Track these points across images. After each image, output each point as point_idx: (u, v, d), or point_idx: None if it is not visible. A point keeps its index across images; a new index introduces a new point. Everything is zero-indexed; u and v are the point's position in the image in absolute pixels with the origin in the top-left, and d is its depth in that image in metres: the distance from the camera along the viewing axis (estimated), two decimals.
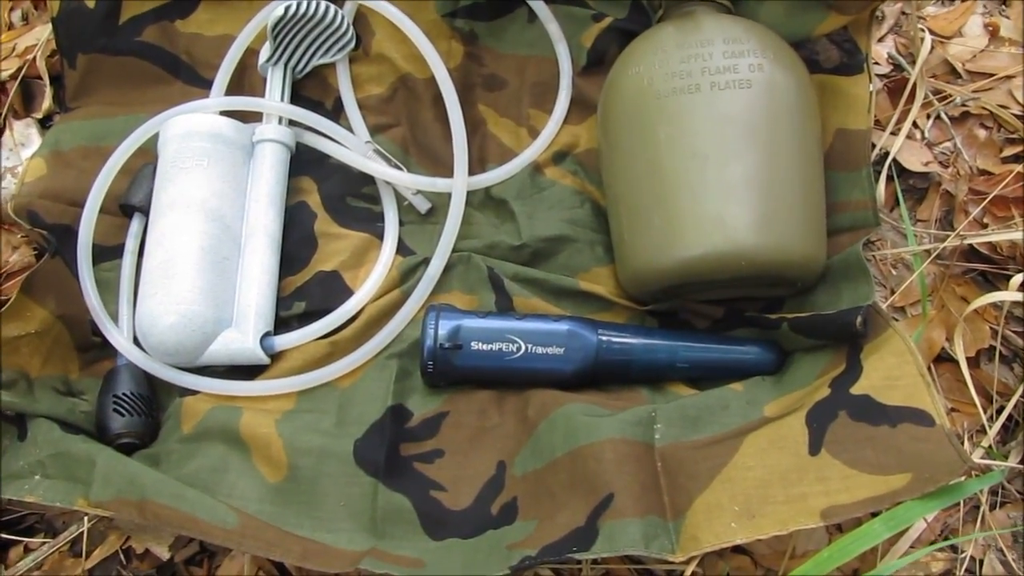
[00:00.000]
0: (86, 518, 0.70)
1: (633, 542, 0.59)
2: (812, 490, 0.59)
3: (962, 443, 0.69)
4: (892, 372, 0.64)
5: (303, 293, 0.80)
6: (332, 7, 0.83)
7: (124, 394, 0.73)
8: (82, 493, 0.66)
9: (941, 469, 0.57)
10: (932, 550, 0.67)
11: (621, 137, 0.75)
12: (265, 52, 0.84)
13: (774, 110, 0.71)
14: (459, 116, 0.81)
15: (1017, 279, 0.71)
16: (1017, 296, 0.71)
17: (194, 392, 0.75)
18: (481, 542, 0.66)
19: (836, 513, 0.58)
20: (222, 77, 0.85)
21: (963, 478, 0.57)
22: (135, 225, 0.80)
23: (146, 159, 0.81)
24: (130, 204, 0.79)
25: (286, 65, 0.84)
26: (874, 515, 0.59)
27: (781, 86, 0.72)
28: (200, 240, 0.75)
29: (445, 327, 0.72)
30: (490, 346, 0.72)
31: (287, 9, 0.81)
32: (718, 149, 0.70)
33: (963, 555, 0.67)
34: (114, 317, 0.77)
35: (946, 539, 0.67)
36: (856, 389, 0.64)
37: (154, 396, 0.76)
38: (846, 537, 0.58)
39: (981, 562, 0.67)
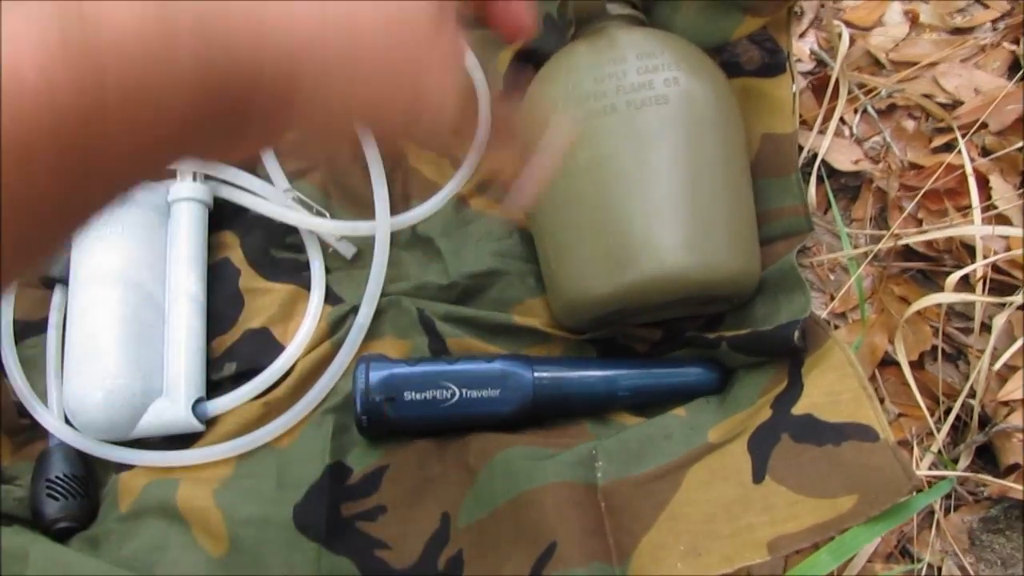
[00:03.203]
0: None
1: None
2: (758, 520, 0.58)
3: (911, 450, 0.68)
4: (833, 387, 0.62)
5: (233, 353, 0.78)
6: None
7: (57, 477, 0.71)
8: None
9: (887, 488, 0.55)
10: (884, 558, 0.66)
11: None
12: None
13: (694, 124, 0.69)
14: (376, 155, 0.78)
15: (954, 277, 0.69)
16: (955, 298, 0.69)
17: (130, 467, 0.73)
18: None
19: (783, 544, 0.56)
20: None
21: (911, 495, 0.56)
22: (57, 297, 0.77)
23: None
24: (50, 276, 0.77)
25: None
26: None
27: (699, 98, 0.70)
28: (121, 311, 0.72)
29: (375, 378, 0.70)
30: (424, 394, 0.70)
31: None
32: (639, 170, 0.68)
33: (920, 564, 0.65)
34: (42, 395, 0.75)
35: (902, 551, 0.66)
36: (798, 408, 0.62)
37: (90, 474, 0.73)
38: (792, 572, 0.57)
39: (939, 569, 0.66)
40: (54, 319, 0.77)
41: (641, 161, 0.68)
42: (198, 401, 0.74)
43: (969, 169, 0.74)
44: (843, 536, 0.56)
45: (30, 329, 0.78)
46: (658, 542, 0.59)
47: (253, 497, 0.70)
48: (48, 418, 0.73)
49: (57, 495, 0.71)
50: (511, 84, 0.84)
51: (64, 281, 0.76)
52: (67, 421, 0.74)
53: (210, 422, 0.75)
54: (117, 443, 0.73)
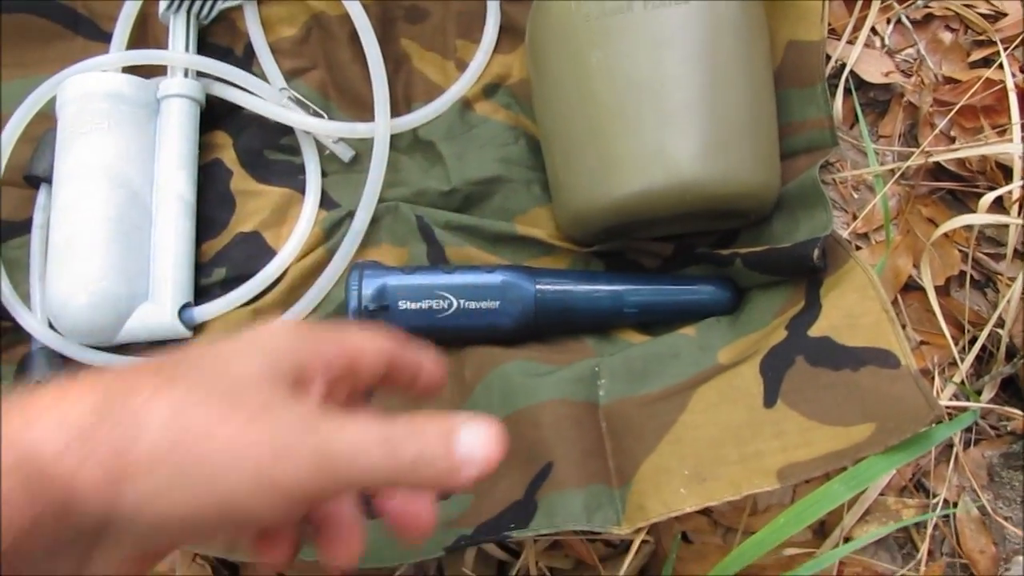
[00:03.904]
0: None
1: (574, 516, 0.55)
2: (768, 447, 0.54)
3: (932, 380, 0.64)
4: (853, 309, 0.58)
5: (223, 258, 0.74)
6: None
7: (39, 382, 0.68)
8: None
9: (906, 418, 0.52)
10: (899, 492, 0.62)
11: (550, 66, 0.68)
12: None
13: (715, 27, 0.65)
14: (377, 54, 0.74)
15: (988, 198, 0.65)
16: (988, 219, 0.65)
17: None
18: None
19: (793, 472, 0.53)
20: (121, 30, 0.77)
21: (931, 425, 0.52)
22: (42, 197, 0.74)
23: (50, 125, 0.74)
24: (34, 175, 0.73)
25: (188, 11, 0.77)
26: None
27: None
28: (106, 210, 0.69)
29: (369, 287, 0.66)
30: (419, 304, 0.66)
31: None
32: (654, 74, 0.64)
33: (935, 500, 0.62)
34: (26, 298, 0.72)
35: (917, 484, 0.63)
36: (815, 331, 0.59)
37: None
38: (803, 501, 0.53)
39: (955, 505, 0.62)
40: (39, 219, 0.74)
41: (656, 64, 0.64)
42: (185, 306, 0.71)
43: (1011, 84, 0.69)
44: (858, 466, 0.53)
45: (14, 230, 0.75)
46: (661, 465, 0.56)
47: None
48: (31, 321, 0.70)
49: None
50: None
51: (49, 180, 0.73)
52: (51, 325, 0.71)
53: (197, 328, 0.72)
54: (101, 348, 0.70)
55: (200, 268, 0.74)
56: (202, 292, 0.73)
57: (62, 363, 0.70)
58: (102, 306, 0.68)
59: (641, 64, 0.64)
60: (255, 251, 0.74)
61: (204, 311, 0.71)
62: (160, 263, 0.71)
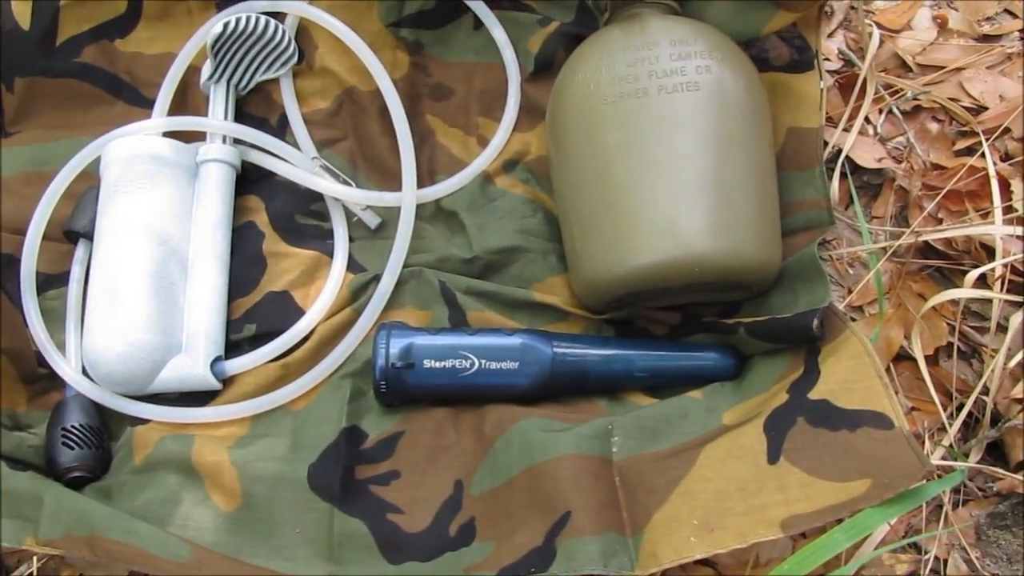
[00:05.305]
0: (35, 558, 0.69)
1: (591, 560, 0.58)
2: (772, 500, 0.58)
3: (923, 443, 0.69)
4: (850, 375, 0.63)
5: (253, 315, 0.78)
6: (272, 22, 0.82)
7: (73, 427, 0.71)
8: (31, 532, 0.64)
9: (900, 474, 0.56)
10: (892, 548, 0.66)
11: (569, 144, 0.74)
12: (206, 70, 0.82)
13: (723, 112, 0.70)
14: (406, 128, 0.79)
15: (973, 275, 0.70)
16: (973, 293, 0.70)
17: (145, 421, 0.73)
18: (440, 565, 0.65)
19: (796, 523, 0.57)
20: (164, 97, 0.83)
21: (923, 481, 0.56)
22: (80, 251, 0.78)
23: (90, 183, 0.79)
24: (74, 230, 0.78)
25: (228, 82, 0.82)
26: (838, 522, 0.58)
27: (730, 87, 0.71)
28: (145, 265, 0.73)
29: (396, 346, 0.70)
30: (443, 363, 0.70)
31: (226, 26, 0.79)
32: (667, 154, 0.69)
33: (927, 556, 0.66)
34: (61, 347, 0.75)
35: (910, 540, 0.67)
36: (814, 394, 0.63)
37: (105, 427, 0.74)
38: (806, 548, 0.57)
39: (945, 562, 0.66)
40: (76, 273, 0.77)
41: (670, 145, 0.69)
42: (217, 359, 0.75)
43: (992, 171, 0.75)
44: (856, 517, 0.57)
45: (51, 282, 0.79)
46: (671, 516, 0.60)
47: (268, 455, 0.71)
48: (66, 368, 0.74)
49: (72, 444, 0.71)
50: (543, 65, 0.84)
51: (88, 236, 0.77)
52: (84, 373, 0.74)
53: (227, 381, 0.75)
54: (133, 397, 0.74)
55: (231, 324, 0.78)
56: (232, 347, 0.77)
57: (95, 410, 0.74)
58: (138, 356, 0.71)
59: (655, 144, 0.69)
60: (284, 309, 0.78)
61: (235, 364, 0.75)
62: (194, 317, 0.75)
